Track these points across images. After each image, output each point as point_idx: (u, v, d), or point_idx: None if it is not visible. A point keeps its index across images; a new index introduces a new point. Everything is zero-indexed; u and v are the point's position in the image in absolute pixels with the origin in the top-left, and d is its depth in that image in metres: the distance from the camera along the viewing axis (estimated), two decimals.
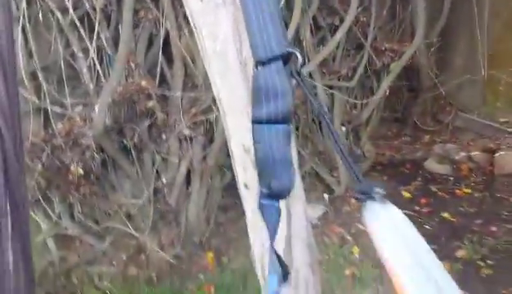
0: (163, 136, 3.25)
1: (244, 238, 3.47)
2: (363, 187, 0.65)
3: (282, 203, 0.71)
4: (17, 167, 0.62)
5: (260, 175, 0.71)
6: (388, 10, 4.44)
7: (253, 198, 1.33)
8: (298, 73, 0.72)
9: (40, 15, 2.94)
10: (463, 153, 4.60)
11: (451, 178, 4.37)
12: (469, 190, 4.11)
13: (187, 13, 1.07)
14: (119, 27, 3.06)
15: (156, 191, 3.39)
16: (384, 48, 4.14)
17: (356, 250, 3.33)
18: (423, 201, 3.97)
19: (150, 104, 2.99)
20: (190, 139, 3.32)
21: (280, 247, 1.26)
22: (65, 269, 3.30)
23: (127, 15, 2.89)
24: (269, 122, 0.69)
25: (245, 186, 1.31)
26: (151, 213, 3.27)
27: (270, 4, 0.69)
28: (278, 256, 0.73)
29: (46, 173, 2.90)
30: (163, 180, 3.36)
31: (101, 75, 3.01)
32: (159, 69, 3.23)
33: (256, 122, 0.70)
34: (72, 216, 3.27)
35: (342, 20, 3.81)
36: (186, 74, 3.34)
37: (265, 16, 0.68)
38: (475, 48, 4.71)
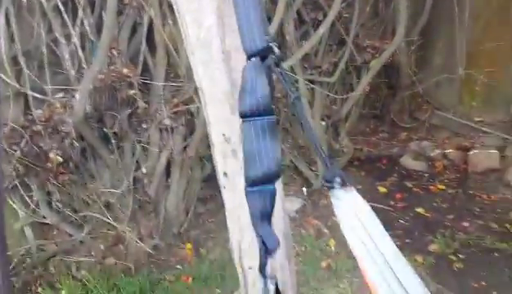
0: (144, 126, 3.24)
1: (222, 229, 3.51)
2: (328, 175, 0.69)
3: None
4: None
5: (247, 164, 0.74)
6: (371, 7, 4.49)
7: (231, 186, 1.35)
8: (278, 66, 0.76)
9: None
10: (438, 151, 4.71)
11: (426, 174, 4.47)
12: (442, 187, 4.21)
13: (171, 0, 1.09)
14: (103, 13, 3.04)
15: (136, 181, 3.39)
16: (365, 45, 4.20)
17: (332, 242, 3.38)
18: (398, 196, 4.05)
19: (132, 92, 2.98)
20: (171, 129, 3.32)
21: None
22: (42, 257, 3.27)
23: (111, 1, 2.86)
24: (253, 114, 0.73)
25: (225, 175, 1.34)
26: (130, 203, 3.26)
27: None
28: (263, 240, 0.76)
29: (24, 160, 2.86)
30: (143, 170, 3.35)
31: (83, 62, 2.98)
32: (141, 58, 3.23)
33: (242, 116, 0.74)
34: (50, 205, 3.24)
35: (325, 16, 3.85)
36: (169, 64, 3.34)
37: (250, 11, 0.72)
38: (454, 48, 4.80)
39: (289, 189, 4.05)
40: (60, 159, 2.87)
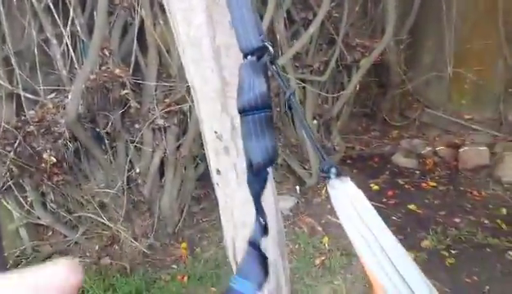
0: (137, 126, 3.25)
1: (217, 228, 3.53)
2: (324, 165, 0.72)
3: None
4: None
5: (249, 154, 0.78)
6: (360, 7, 4.53)
7: (224, 183, 1.37)
8: (272, 63, 0.80)
9: None
10: (429, 148, 4.76)
11: (417, 172, 4.52)
12: (434, 183, 4.26)
13: (162, 0, 1.11)
14: (94, 13, 3.04)
15: (130, 181, 3.40)
16: (355, 44, 4.23)
17: (325, 240, 3.41)
18: (390, 193, 4.10)
19: (124, 92, 2.99)
20: (164, 129, 3.33)
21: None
22: (37, 259, 3.27)
23: (102, 1, 2.86)
24: (252, 109, 0.76)
25: (218, 172, 1.35)
26: (125, 203, 3.27)
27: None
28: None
29: (18, 160, 2.87)
30: (137, 170, 3.36)
31: (75, 62, 2.99)
32: (133, 58, 3.24)
33: (241, 111, 0.77)
34: (44, 205, 3.25)
35: (315, 15, 3.88)
36: (161, 64, 3.35)
37: (243, 12, 0.76)
38: (443, 47, 4.86)
39: (283, 188, 4.08)
40: (54, 160, 2.87)
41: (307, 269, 3.14)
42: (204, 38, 1.05)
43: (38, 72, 2.95)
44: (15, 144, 2.82)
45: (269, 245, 1.37)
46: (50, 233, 3.32)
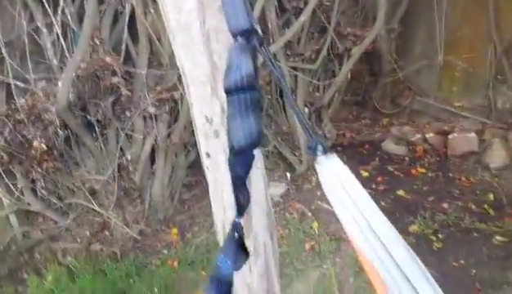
0: (128, 113, 3.25)
1: (208, 215, 3.56)
2: (312, 143, 0.75)
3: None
4: None
5: (231, 136, 0.80)
6: None
7: (214, 167, 1.39)
8: (261, 46, 0.82)
9: None
10: (419, 135, 4.81)
11: (407, 158, 4.58)
12: (423, 170, 4.31)
13: None
14: (84, 2, 3.03)
15: (120, 168, 3.41)
16: (346, 32, 4.24)
17: (315, 225, 3.46)
18: (379, 179, 4.15)
19: (115, 80, 2.99)
20: (155, 116, 3.34)
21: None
22: (28, 245, 3.29)
23: None
24: (237, 90, 0.78)
25: (207, 156, 1.37)
26: (115, 190, 3.29)
27: None
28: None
29: (8, 148, 2.86)
30: (128, 157, 3.37)
31: (66, 51, 2.98)
32: (124, 46, 3.23)
33: (227, 91, 0.79)
34: (35, 192, 3.25)
35: (306, 3, 3.88)
36: (152, 52, 3.35)
37: None
38: (433, 35, 4.89)
39: (274, 175, 4.12)
40: (44, 147, 2.87)
41: (297, 254, 3.18)
42: (194, 23, 1.06)
43: (29, 61, 2.94)
44: (6, 132, 2.81)
45: (257, 226, 1.40)
46: (40, 219, 3.33)
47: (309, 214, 3.61)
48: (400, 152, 4.67)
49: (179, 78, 3.01)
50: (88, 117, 3.17)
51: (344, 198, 0.69)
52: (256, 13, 3.44)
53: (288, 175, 4.11)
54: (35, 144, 2.84)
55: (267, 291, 1.34)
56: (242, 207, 0.88)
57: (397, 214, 3.56)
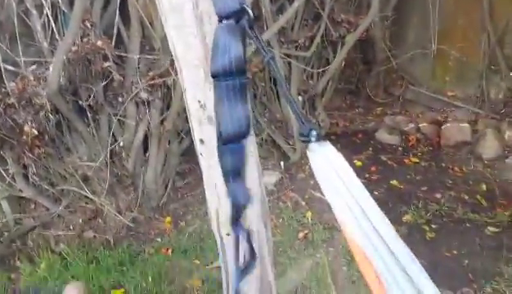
0: (120, 99, 3.21)
1: (201, 203, 3.55)
2: (304, 129, 0.72)
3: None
4: None
5: (219, 123, 0.76)
6: None
7: (208, 153, 1.36)
8: (251, 28, 0.78)
9: None
10: (412, 125, 4.81)
11: (400, 148, 4.58)
12: (416, 160, 4.32)
13: None
14: None
15: (113, 154, 3.37)
16: (340, 19, 4.21)
17: (309, 214, 3.46)
18: (373, 169, 4.15)
19: (106, 64, 2.94)
20: (148, 102, 3.30)
21: None
22: (20, 231, 3.25)
23: None
24: (225, 74, 0.74)
25: (201, 142, 1.35)
26: (108, 177, 3.26)
27: None
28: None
29: None
30: (120, 144, 3.34)
31: (56, 33, 2.92)
32: (115, 30, 3.17)
33: (214, 76, 0.75)
34: (27, 178, 3.21)
35: None
36: (144, 36, 3.30)
37: None
38: (427, 23, 4.87)
39: (267, 163, 4.10)
40: (35, 132, 2.82)
41: (290, 243, 3.19)
42: (187, 4, 1.03)
43: (19, 43, 2.88)
44: None
45: (252, 214, 1.38)
46: (32, 206, 3.30)
47: (303, 203, 3.61)
48: (393, 141, 4.68)
49: (172, 64, 2.97)
50: (80, 102, 3.12)
51: (338, 184, 0.67)
52: None
53: (282, 163, 4.10)
54: (26, 128, 2.80)
55: (261, 279, 1.33)
56: (238, 207, 0.83)
57: (391, 204, 3.57)
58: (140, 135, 3.39)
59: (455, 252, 3.04)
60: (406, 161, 4.31)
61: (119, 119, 3.29)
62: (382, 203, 3.44)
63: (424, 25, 4.97)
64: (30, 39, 2.99)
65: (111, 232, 3.31)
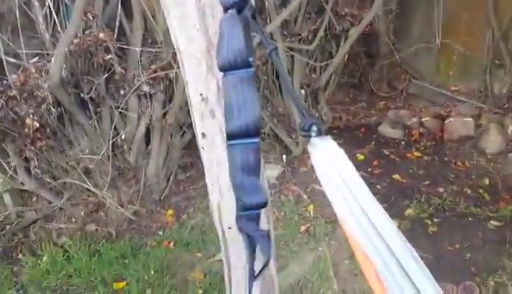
0: (122, 92, 3.20)
1: (203, 196, 3.54)
2: (305, 123, 0.70)
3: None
4: None
5: (227, 117, 0.74)
6: None
7: (210, 147, 1.36)
8: (254, 18, 0.76)
9: None
10: (415, 119, 4.79)
11: (403, 142, 4.56)
12: (419, 154, 4.30)
13: None
14: None
15: (115, 147, 3.37)
16: (344, 13, 4.18)
17: (311, 207, 3.45)
18: (375, 163, 4.13)
19: (108, 57, 2.93)
20: (150, 95, 3.29)
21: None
22: (22, 224, 3.26)
23: None
24: (231, 67, 0.73)
25: (203, 135, 1.34)
26: (110, 170, 3.26)
27: None
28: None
29: (0, 125, 2.81)
30: (122, 137, 3.34)
31: (58, 25, 2.91)
32: (117, 23, 3.16)
33: (221, 69, 0.74)
34: (28, 171, 3.21)
35: None
36: (146, 29, 3.28)
37: None
38: (432, 18, 4.84)
39: (269, 157, 4.09)
40: (37, 125, 2.82)
41: (292, 236, 3.18)
42: None
43: (21, 35, 2.87)
44: None
45: None
46: (34, 198, 3.30)
47: (305, 196, 3.60)
48: (396, 135, 4.66)
49: (174, 57, 2.96)
50: (82, 94, 3.11)
51: (337, 181, 0.65)
52: None
53: (284, 157, 4.09)
54: (28, 121, 2.79)
55: (262, 273, 1.33)
56: (256, 207, 0.78)
57: (393, 198, 3.55)
58: (142, 128, 3.38)
59: (457, 246, 3.03)
60: (409, 155, 4.30)
61: (120, 112, 3.29)
62: (384, 197, 3.47)
63: (428, 19, 4.94)
64: (32, 31, 2.98)
65: (113, 225, 3.31)
